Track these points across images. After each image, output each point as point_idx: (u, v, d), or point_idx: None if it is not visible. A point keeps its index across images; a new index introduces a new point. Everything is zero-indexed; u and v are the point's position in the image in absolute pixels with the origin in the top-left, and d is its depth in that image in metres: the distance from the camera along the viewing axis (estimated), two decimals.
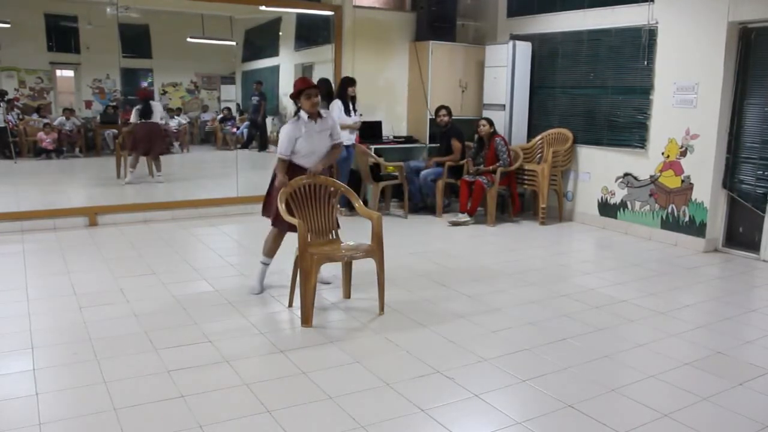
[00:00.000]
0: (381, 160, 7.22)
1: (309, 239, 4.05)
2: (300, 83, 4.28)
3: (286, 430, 2.63)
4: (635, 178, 6.53)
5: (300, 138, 4.23)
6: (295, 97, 4.25)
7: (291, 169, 4.28)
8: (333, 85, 7.25)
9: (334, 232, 4.28)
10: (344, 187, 4.29)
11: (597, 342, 3.68)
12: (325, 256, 3.94)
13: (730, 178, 5.87)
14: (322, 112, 4.36)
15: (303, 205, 4.13)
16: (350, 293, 4.35)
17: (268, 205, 4.44)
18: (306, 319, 3.81)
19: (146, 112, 7.81)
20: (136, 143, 7.80)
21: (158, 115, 7.95)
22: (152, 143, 7.88)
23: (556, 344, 3.62)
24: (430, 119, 7.71)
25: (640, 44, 6.29)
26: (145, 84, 8.68)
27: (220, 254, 5.46)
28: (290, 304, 4.16)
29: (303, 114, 4.26)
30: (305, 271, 3.80)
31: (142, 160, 7.99)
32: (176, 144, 9.11)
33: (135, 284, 4.52)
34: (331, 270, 4.70)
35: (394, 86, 8.04)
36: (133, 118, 7.80)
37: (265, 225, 6.68)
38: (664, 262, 5.55)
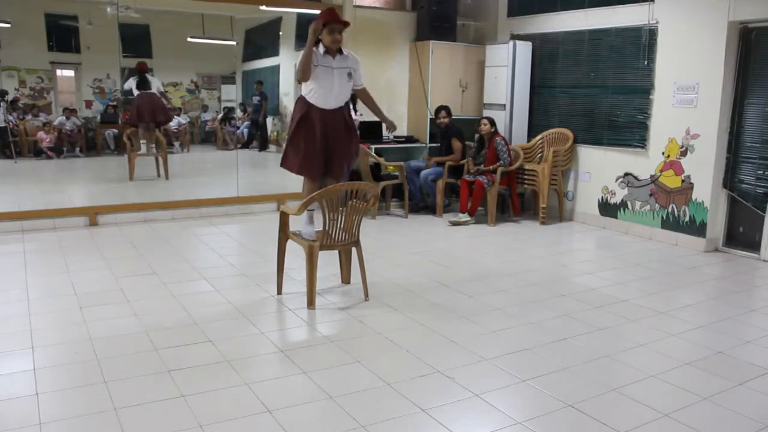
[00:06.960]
0: (381, 159, 7.22)
1: (326, 243, 4.10)
2: (327, 15, 3.98)
3: (286, 430, 2.63)
4: (635, 177, 6.53)
5: (315, 68, 4.00)
6: (320, 27, 3.97)
7: (308, 108, 4.14)
8: None
9: (354, 237, 4.18)
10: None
11: (597, 342, 3.68)
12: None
13: (730, 177, 5.86)
14: (344, 50, 4.15)
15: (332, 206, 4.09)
16: (349, 278, 4.57)
17: (288, 157, 4.32)
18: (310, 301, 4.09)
19: (143, 83, 7.89)
20: (139, 113, 7.89)
21: (155, 86, 8.04)
22: (154, 113, 7.97)
23: (557, 344, 3.62)
24: (431, 119, 7.71)
25: (640, 44, 6.29)
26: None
27: (221, 254, 5.46)
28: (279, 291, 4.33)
29: (320, 47, 4.05)
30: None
31: (149, 159, 8.02)
32: (176, 144, 9.11)
33: (135, 284, 4.52)
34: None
35: (394, 86, 8.03)
36: (128, 86, 7.93)
37: (265, 224, 6.67)
38: (665, 262, 5.55)
